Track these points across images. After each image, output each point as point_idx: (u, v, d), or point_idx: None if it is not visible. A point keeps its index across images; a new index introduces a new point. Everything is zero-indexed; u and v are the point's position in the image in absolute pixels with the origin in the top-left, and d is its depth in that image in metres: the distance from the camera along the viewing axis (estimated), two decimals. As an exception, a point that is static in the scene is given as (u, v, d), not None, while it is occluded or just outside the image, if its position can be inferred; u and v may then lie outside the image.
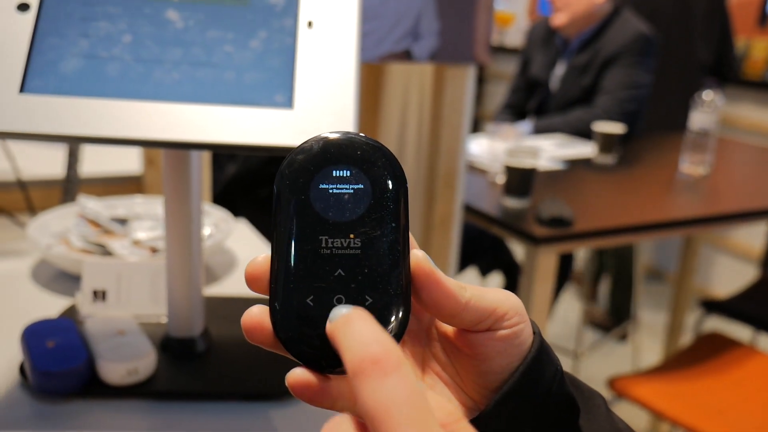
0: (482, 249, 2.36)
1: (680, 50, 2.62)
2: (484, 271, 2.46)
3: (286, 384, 0.29)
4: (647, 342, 2.71)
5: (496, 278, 2.53)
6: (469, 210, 1.52)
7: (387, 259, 0.30)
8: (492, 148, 1.89)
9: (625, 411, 2.05)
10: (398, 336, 0.30)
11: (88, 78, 0.56)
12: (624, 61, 2.18)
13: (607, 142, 1.93)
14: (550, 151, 1.99)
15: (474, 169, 1.79)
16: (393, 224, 0.31)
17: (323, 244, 0.31)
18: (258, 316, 0.30)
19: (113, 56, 0.57)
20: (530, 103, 2.41)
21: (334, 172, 0.32)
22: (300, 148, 0.33)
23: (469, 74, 1.31)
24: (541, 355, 0.34)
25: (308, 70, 0.58)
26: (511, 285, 2.40)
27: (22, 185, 1.12)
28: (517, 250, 2.44)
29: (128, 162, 1.47)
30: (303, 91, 0.57)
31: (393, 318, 0.30)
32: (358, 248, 0.31)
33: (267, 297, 0.31)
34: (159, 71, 0.57)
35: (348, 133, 0.33)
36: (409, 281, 0.31)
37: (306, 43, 0.58)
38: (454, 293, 0.31)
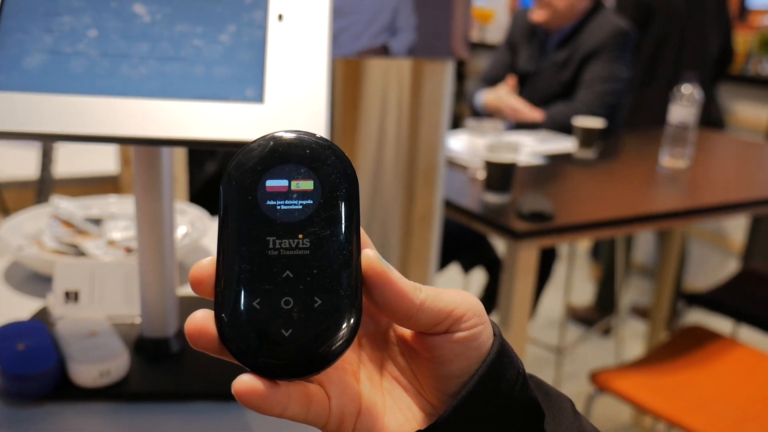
0: (464, 245, 2.36)
1: (695, 45, 2.64)
2: (467, 268, 2.46)
3: (233, 392, 0.28)
4: (632, 336, 2.72)
5: (479, 275, 2.54)
6: (450, 206, 1.52)
7: (337, 259, 0.30)
8: (472, 144, 1.88)
9: (607, 405, 2.06)
10: (349, 339, 0.29)
11: (53, 74, 0.55)
12: (603, 56, 2.19)
13: (588, 137, 1.93)
14: (531, 146, 1.99)
15: (454, 165, 1.79)
16: (343, 223, 0.30)
17: (271, 245, 0.30)
18: (202, 321, 0.29)
19: (78, 51, 0.55)
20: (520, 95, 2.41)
21: (282, 171, 0.31)
22: (248, 147, 0.32)
23: (448, 69, 1.30)
24: (502, 357, 0.33)
25: (279, 64, 0.57)
26: (494, 281, 2.40)
27: (-6, 186, 1.10)
28: (499, 245, 2.44)
29: (104, 162, 1.45)
30: (274, 86, 0.56)
31: (344, 320, 0.29)
32: (306, 249, 0.30)
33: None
34: (126, 66, 0.56)
35: (298, 132, 0.32)
36: (360, 282, 0.30)
37: (276, 36, 0.57)
38: (407, 294, 0.30)
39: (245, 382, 0.28)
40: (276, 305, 0.29)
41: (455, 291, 0.33)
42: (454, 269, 2.51)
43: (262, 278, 0.29)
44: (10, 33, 0.55)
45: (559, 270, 2.87)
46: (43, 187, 1.12)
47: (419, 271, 1.45)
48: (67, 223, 0.94)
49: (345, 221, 0.30)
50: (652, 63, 2.65)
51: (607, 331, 2.74)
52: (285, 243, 0.30)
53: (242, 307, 0.29)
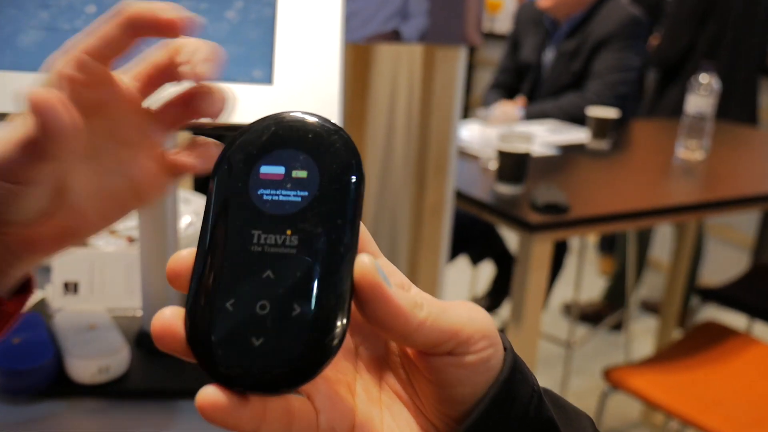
0: (473, 237, 2.32)
1: (749, 44, 2.60)
2: (475, 260, 2.43)
3: (196, 405, 0.24)
4: (643, 332, 2.69)
5: (488, 267, 2.50)
6: (461, 197, 1.48)
7: (325, 262, 0.26)
8: (483, 134, 1.85)
9: (617, 401, 2.03)
10: (327, 355, 0.25)
11: (49, 52, 0.51)
12: (615, 45, 2.15)
13: (601, 127, 1.89)
14: (543, 136, 1.95)
15: (465, 155, 1.75)
16: (338, 221, 0.26)
17: (255, 240, 0.26)
18: (170, 319, 0.26)
19: (76, 28, 0.52)
20: (522, 87, 2.37)
21: (279, 157, 0.28)
22: (245, 128, 0.28)
23: (461, 55, 1.27)
24: (515, 374, 0.29)
25: (289, 43, 0.53)
26: (503, 275, 2.37)
27: None
28: (510, 237, 2.41)
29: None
30: (284, 67, 0.53)
31: (324, 333, 0.25)
32: (293, 247, 0.26)
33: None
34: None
35: (302, 113, 0.29)
36: (350, 291, 0.26)
37: (286, 14, 0.54)
38: (404, 312, 0.26)
39: (208, 394, 0.24)
40: (250, 309, 0.25)
41: (463, 306, 0.29)
42: (462, 261, 2.48)
43: (240, 277, 0.26)
44: (3, 9, 0.52)
45: (569, 263, 2.83)
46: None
47: (429, 264, 1.42)
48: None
49: (341, 218, 0.27)
50: (707, 59, 2.60)
51: (617, 327, 2.71)
52: (270, 238, 0.26)
53: (212, 308, 0.25)
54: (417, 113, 1.40)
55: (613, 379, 1.43)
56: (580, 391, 2.29)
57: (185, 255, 0.27)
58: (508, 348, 0.30)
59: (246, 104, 0.51)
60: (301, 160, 0.27)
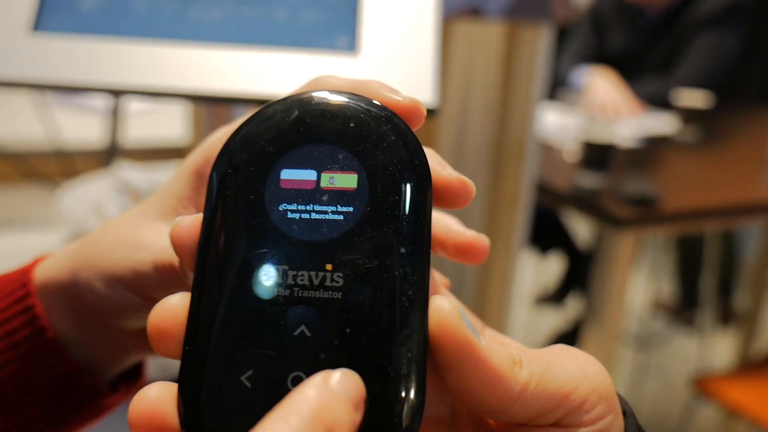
0: (539, 226, 2.22)
1: None
2: (544, 249, 2.31)
3: None
4: (721, 336, 2.54)
5: (545, 260, 2.40)
6: (538, 188, 1.39)
7: (387, 310, 0.18)
8: (562, 122, 1.75)
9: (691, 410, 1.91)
10: None
11: (111, 15, 0.46)
12: (712, 29, 2.01)
13: (691, 116, 1.77)
14: (628, 125, 1.83)
15: (541, 144, 1.66)
16: (401, 249, 0.18)
17: (280, 280, 0.18)
18: (156, 403, 0.18)
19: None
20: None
21: (307, 156, 0.19)
22: (259, 115, 0.20)
23: (545, 33, 1.18)
24: None
25: (378, 7, 0.47)
26: (575, 271, 2.26)
27: (63, 154, 1.05)
28: (582, 231, 2.30)
29: (173, 129, 1.39)
30: (371, 34, 0.46)
31: (393, 418, 0.17)
32: (338, 289, 0.18)
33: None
34: (196, 8, 0.47)
35: (335, 92, 0.20)
36: (425, 351, 0.18)
37: (375, -27, 0.47)
38: (502, 375, 0.19)
39: None
40: (278, 384, 0.17)
41: (569, 356, 0.21)
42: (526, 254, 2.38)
43: (260, 336, 0.18)
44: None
45: (644, 257, 2.70)
46: (111, 154, 1.06)
47: (503, 259, 1.34)
48: (131, 191, 0.87)
49: (405, 245, 0.18)
50: None
51: (691, 323, 2.56)
52: (303, 277, 0.18)
53: (221, 385, 0.18)
54: (495, 98, 1.32)
55: (704, 388, 1.32)
56: (655, 395, 2.17)
57: (174, 304, 0.19)
58: (628, 414, 0.22)
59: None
60: (340, 161, 0.19)
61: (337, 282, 0.18)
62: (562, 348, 0.21)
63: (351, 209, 0.19)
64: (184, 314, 0.19)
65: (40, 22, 0.45)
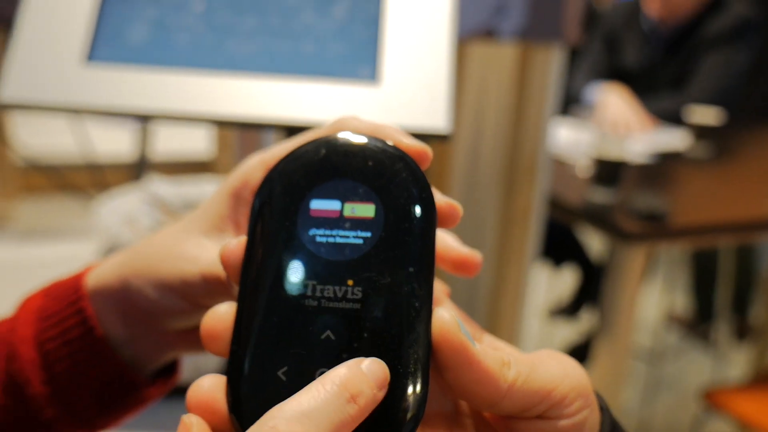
0: (552, 239, 2.25)
1: None
2: (557, 262, 2.34)
3: None
4: (734, 350, 2.54)
5: (549, 269, 2.42)
6: (550, 203, 1.43)
7: (398, 319, 0.22)
8: (574, 137, 1.78)
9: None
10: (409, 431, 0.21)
11: (157, 47, 0.51)
12: (722, 47, 2.03)
13: (703, 133, 1.79)
14: (639, 141, 1.86)
15: (553, 160, 1.69)
16: (409, 268, 0.22)
17: (309, 292, 0.22)
18: (209, 392, 0.22)
19: (184, 25, 0.51)
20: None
21: (334, 189, 0.23)
22: (293, 154, 0.24)
23: (558, 54, 1.22)
24: None
25: (397, 40, 0.51)
26: (588, 284, 2.29)
27: (95, 166, 1.10)
28: (594, 244, 2.32)
29: (196, 144, 1.44)
30: (390, 64, 0.50)
31: (397, 408, 0.21)
32: (357, 301, 0.22)
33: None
34: (232, 42, 0.52)
35: (355, 134, 0.24)
36: (428, 353, 0.22)
37: (395, 9, 0.51)
38: (492, 374, 0.22)
39: None
40: (308, 378, 0.21)
41: (552, 359, 0.25)
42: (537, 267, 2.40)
43: (293, 338, 0.22)
44: (114, 3, 0.52)
45: (659, 271, 2.71)
46: (141, 167, 1.11)
47: (516, 272, 1.38)
48: (161, 205, 0.92)
49: (413, 264, 0.22)
50: None
51: (704, 340, 2.57)
52: (329, 290, 0.22)
53: (262, 378, 0.22)
54: (508, 117, 1.36)
55: (714, 401, 1.34)
56: (665, 408, 2.19)
57: (223, 312, 0.23)
58: (604, 409, 0.26)
59: (350, 103, 0.49)
60: (360, 194, 0.23)
61: (357, 295, 0.22)
62: (548, 352, 0.25)
63: (369, 234, 0.23)
64: (231, 320, 0.23)
65: (93, 53, 0.50)
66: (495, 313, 1.28)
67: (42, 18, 0.51)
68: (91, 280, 0.34)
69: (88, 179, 1.17)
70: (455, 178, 1.41)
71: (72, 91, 0.49)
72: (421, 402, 0.21)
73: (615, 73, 2.30)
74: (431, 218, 0.23)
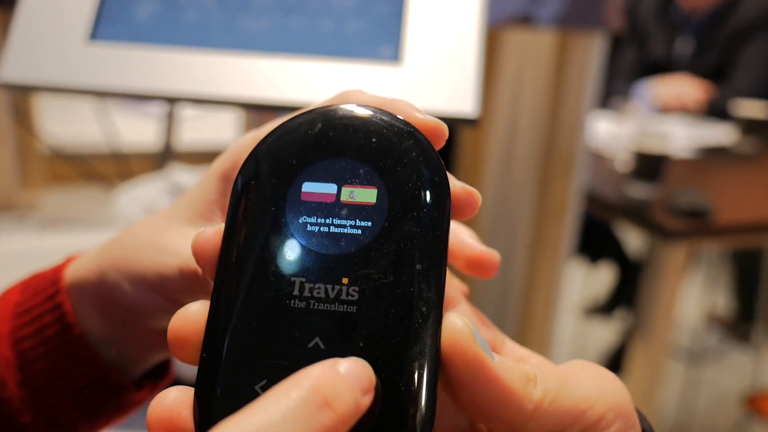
0: (589, 235, 2.18)
1: None
2: (593, 259, 2.28)
3: None
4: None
5: (584, 266, 2.35)
6: (587, 197, 1.37)
7: (400, 325, 0.18)
8: (613, 131, 1.72)
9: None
10: None
11: (164, 25, 0.48)
12: (761, 35, 1.94)
13: (750, 127, 1.71)
14: (682, 135, 1.79)
15: (591, 153, 1.63)
16: (417, 265, 0.18)
17: (297, 291, 0.18)
18: (173, 407, 0.18)
19: (193, 1, 0.48)
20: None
21: (328, 170, 0.19)
22: (284, 126, 0.20)
23: (598, 42, 1.16)
24: None
25: (422, 17, 0.47)
26: (627, 282, 2.22)
27: (120, 156, 1.09)
28: (632, 241, 2.26)
29: (226, 133, 1.42)
30: (414, 43, 0.47)
31: (402, 429, 0.17)
32: (353, 302, 0.18)
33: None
34: (244, 19, 0.48)
35: (359, 105, 0.20)
36: (437, 367, 0.18)
37: (420, -16, 0.48)
38: (515, 393, 0.19)
39: None
40: None
41: (586, 372, 0.21)
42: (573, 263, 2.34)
43: (275, 346, 0.18)
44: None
45: (699, 270, 2.63)
46: (166, 157, 1.09)
47: (550, 269, 1.33)
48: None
49: (421, 261, 0.19)
50: None
51: (745, 341, 2.48)
52: (319, 289, 0.19)
53: (235, 392, 0.18)
54: (544, 107, 1.30)
55: (756, 406, 1.28)
56: (700, 411, 2.11)
57: (194, 311, 0.19)
58: (647, 430, 0.22)
59: (371, 84, 0.46)
60: (361, 176, 0.19)
61: (353, 296, 0.18)
62: (581, 364, 0.21)
63: (369, 224, 0.19)
64: (203, 322, 0.19)
65: (97, 32, 0.47)
66: (528, 311, 1.23)
67: (45, -7, 0.48)
68: (71, 273, 0.31)
69: (113, 168, 1.15)
70: (488, 170, 1.37)
71: (75, 71, 0.47)
72: (426, 425, 0.18)
73: (647, 68, 2.22)
74: (445, 206, 0.19)
